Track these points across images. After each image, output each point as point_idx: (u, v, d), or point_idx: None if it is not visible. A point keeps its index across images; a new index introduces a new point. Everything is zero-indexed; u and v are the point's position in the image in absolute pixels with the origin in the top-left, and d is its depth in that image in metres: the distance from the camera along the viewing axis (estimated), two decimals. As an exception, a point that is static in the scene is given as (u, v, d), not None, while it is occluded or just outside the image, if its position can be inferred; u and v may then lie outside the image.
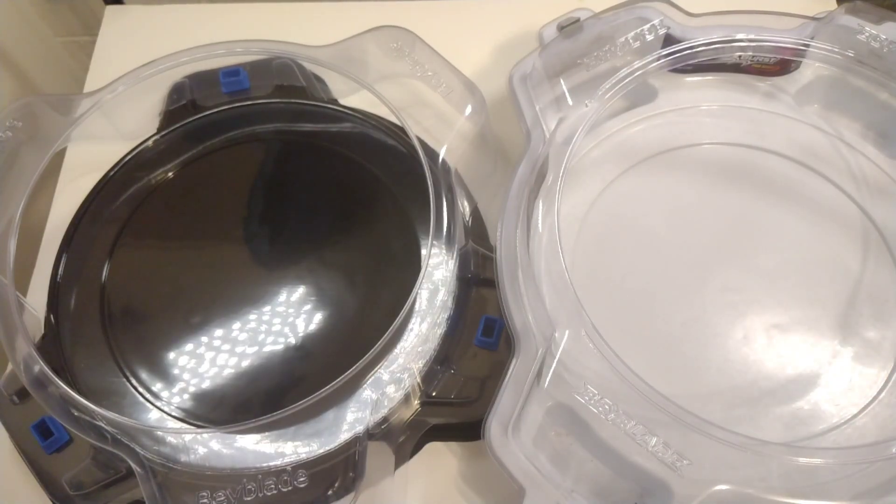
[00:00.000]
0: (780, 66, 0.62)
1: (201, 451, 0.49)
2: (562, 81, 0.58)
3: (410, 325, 0.53)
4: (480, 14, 0.74)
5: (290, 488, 0.46)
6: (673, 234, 0.57)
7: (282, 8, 0.75)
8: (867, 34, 0.57)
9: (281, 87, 0.65)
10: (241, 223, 0.59)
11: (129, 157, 0.62)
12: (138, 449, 0.48)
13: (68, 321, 0.55)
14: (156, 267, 0.58)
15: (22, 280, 0.57)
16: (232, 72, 0.64)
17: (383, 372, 0.51)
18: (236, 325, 0.54)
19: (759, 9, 0.58)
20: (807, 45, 0.58)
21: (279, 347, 0.53)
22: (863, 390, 0.51)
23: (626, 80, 0.57)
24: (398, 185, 0.59)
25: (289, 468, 0.47)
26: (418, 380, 0.51)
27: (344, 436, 0.49)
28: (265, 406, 0.50)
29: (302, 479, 0.47)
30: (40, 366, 0.49)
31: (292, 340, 0.53)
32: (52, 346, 0.53)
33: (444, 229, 0.55)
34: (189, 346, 0.53)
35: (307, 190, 0.60)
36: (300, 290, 0.55)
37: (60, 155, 0.65)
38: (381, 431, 0.49)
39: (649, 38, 0.59)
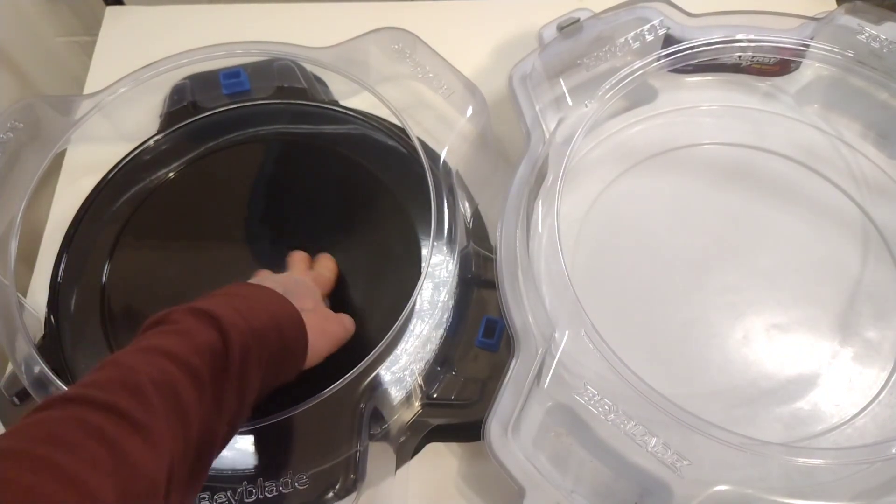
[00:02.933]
0: (780, 66, 0.62)
1: (202, 451, 0.49)
2: (562, 82, 0.58)
3: (411, 327, 0.53)
4: (480, 14, 0.74)
5: (290, 490, 0.46)
6: (673, 235, 0.57)
7: (282, 9, 0.75)
8: (867, 34, 0.57)
9: (282, 89, 0.65)
10: (241, 224, 0.59)
11: (129, 157, 0.62)
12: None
13: (68, 321, 0.55)
14: (156, 267, 0.58)
15: (22, 280, 0.57)
16: (233, 73, 0.64)
17: (384, 373, 0.51)
18: (237, 326, 0.54)
19: (759, 9, 0.58)
20: (807, 46, 0.58)
21: (280, 348, 0.53)
22: (863, 391, 0.51)
23: (626, 81, 0.57)
24: (399, 187, 0.59)
25: (290, 469, 0.47)
26: (419, 381, 0.51)
27: (345, 437, 0.49)
28: (266, 407, 0.50)
29: (303, 481, 0.47)
30: (41, 366, 0.49)
31: (293, 341, 0.53)
32: (53, 346, 0.53)
33: (445, 230, 0.55)
34: (190, 347, 0.53)
35: (308, 191, 0.60)
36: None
37: (61, 156, 0.65)
38: (382, 432, 0.49)
39: (649, 38, 0.59)
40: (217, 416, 0.36)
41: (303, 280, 0.49)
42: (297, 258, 0.54)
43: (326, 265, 0.54)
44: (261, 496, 0.46)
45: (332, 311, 0.50)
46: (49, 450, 0.29)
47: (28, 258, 0.59)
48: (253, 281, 0.47)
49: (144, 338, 0.37)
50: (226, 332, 0.37)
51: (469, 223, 0.58)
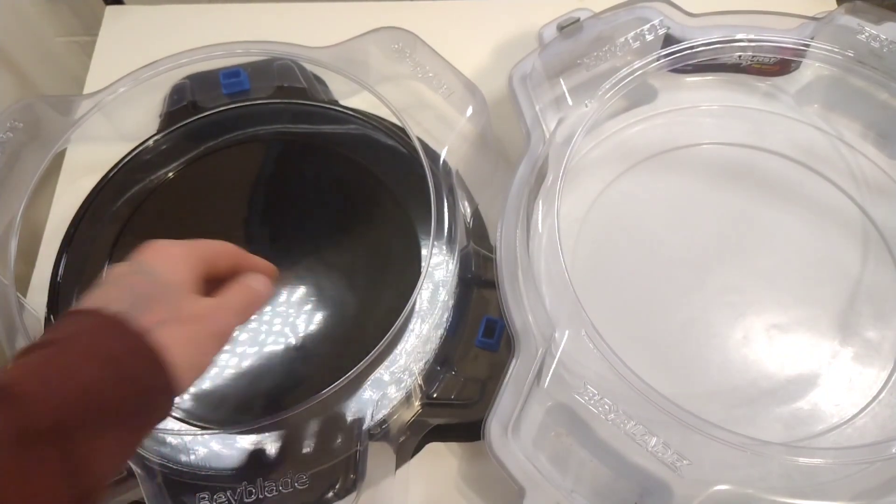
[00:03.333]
0: (780, 66, 0.62)
1: (202, 451, 0.49)
2: (562, 81, 0.58)
3: (411, 326, 0.53)
4: (480, 14, 0.74)
5: (290, 490, 0.46)
6: (673, 235, 0.57)
7: (282, 8, 0.75)
8: (867, 34, 0.57)
9: (282, 88, 0.65)
10: (241, 224, 0.59)
11: (129, 157, 0.62)
12: (138, 449, 0.48)
13: (69, 322, 0.55)
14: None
15: (22, 280, 0.57)
16: (232, 73, 0.64)
17: (384, 373, 0.51)
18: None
19: (759, 9, 0.58)
20: (807, 46, 0.58)
21: (280, 348, 0.53)
22: (863, 390, 0.51)
23: (626, 80, 0.57)
24: (399, 187, 0.59)
25: (289, 469, 0.47)
26: (419, 381, 0.51)
27: (345, 436, 0.49)
28: (266, 407, 0.50)
29: (303, 481, 0.47)
30: (41, 367, 0.48)
31: (293, 341, 0.53)
32: (53, 346, 0.53)
33: (445, 230, 0.55)
34: (190, 347, 0.53)
35: (308, 191, 0.60)
36: (301, 291, 0.55)
37: (61, 155, 0.65)
38: (382, 432, 0.49)
39: (649, 38, 0.59)
40: None
41: (159, 275, 0.36)
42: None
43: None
44: (261, 496, 0.46)
45: (207, 301, 0.37)
46: None
47: (28, 258, 0.59)
48: (105, 281, 0.36)
49: None
50: (27, 416, 0.28)
51: (469, 223, 0.58)
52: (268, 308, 0.54)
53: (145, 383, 0.33)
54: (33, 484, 0.28)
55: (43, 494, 0.28)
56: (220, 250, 0.40)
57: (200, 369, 0.36)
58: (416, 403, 0.51)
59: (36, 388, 0.29)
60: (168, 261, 0.37)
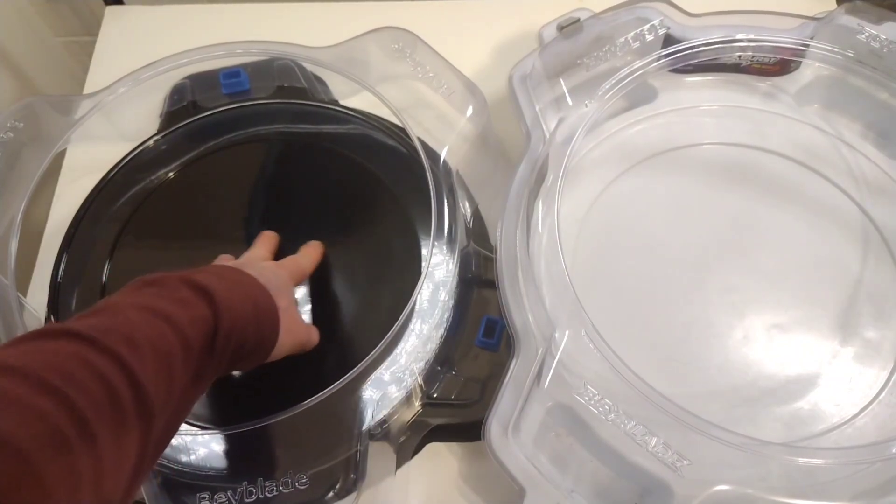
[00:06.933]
0: (780, 66, 0.62)
1: (202, 451, 0.49)
2: (562, 81, 0.58)
3: (411, 326, 0.53)
4: (480, 14, 0.74)
5: (290, 490, 0.46)
6: (673, 235, 0.57)
7: (282, 8, 0.75)
8: (867, 34, 0.57)
9: (282, 88, 0.65)
10: (241, 224, 0.59)
11: (129, 157, 0.62)
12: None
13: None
14: (156, 267, 0.57)
15: (22, 280, 0.57)
16: (232, 73, 0.64)
17: (384, 372, 0.51)
18: (237, 326, 0.54)
19: (759, 9, 0.59)
20: (807, 45, 0.58)
21: (280, 348, 0.53)
22: (863, 390, 0.51)
23: (626, 81, 0.57)
24: (399, 187, 0.59)
25: (290, 469, 0.47)
26: (419, 381, 0.51)
27: (345, 436, 0.49)
28: (266, 407, 0.50)
29: (303, 481, 0.47)
30: (41, 367, 0.48)
31: (293, 341, 0.53)
32: (53, 346, 0.53)
33: (446, 230, 0.55)
34: (190, 347, 0.53)
35: (308, 191, 0.60)
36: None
37: (61, 155, 0.65)
38: (382, 432, 0.49)
39: (649, 38, 0.59)
40: (192, 393, 0.36)
41: (281, 274, 0.48)
42: (267, 239, 0.54)
43: (309, 253, 0.54)
44: (261, 496, 0.46)
45: (300, 317, 0.50)
46: (60, 381, 0.29)
47: (28, 258, 0.59)
48: (217, 263, 0.47)
49: (140, 295, 0.37)
50: (218, 312, 0.37)
51: (469, 223, 0.58)
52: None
53: (264, 340, 0.42)
54: (202, 372, 0.37)
55: (200, 387, 0.37)
56: (304, 272, 0.53)
57: (279, 355, 0.45)
58: (417, 403, 0.51)
59: (225, 301, 0.38)
60: (282, 274, 0.49)
